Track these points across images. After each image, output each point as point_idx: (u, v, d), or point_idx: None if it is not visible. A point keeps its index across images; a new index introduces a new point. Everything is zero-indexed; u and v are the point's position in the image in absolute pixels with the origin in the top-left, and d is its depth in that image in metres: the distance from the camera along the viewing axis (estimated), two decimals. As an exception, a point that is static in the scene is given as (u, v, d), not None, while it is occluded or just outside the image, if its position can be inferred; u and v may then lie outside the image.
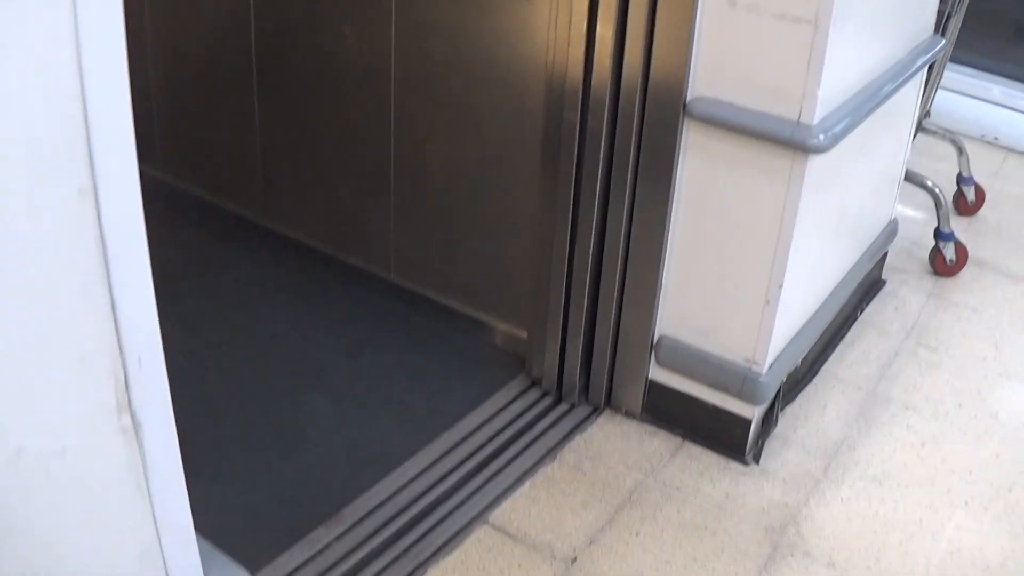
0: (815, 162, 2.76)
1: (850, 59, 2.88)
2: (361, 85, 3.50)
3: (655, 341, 3.16)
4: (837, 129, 2.78)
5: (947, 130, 4.80)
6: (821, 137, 2.71)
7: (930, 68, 3.81)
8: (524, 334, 3.40)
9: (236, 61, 3.81)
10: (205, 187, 4.24)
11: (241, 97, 3.85)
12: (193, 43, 4.04)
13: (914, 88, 3.63)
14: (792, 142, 2.71)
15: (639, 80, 2.84)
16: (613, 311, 3.17)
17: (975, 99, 5.72)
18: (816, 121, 2.70)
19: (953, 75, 5.18)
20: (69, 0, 1.42)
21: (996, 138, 5.48)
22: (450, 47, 3.24)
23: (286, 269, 3.94)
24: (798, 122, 2.69)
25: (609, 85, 2.88)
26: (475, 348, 3.57)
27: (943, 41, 3.77)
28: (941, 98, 4.71)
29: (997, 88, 5.81)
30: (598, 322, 3.22)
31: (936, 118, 4.75)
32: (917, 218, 4.53)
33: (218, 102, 4.02)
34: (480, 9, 3.11)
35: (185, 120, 4.20)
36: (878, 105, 3.11)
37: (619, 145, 2.95)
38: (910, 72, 3.38)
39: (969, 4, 4.26)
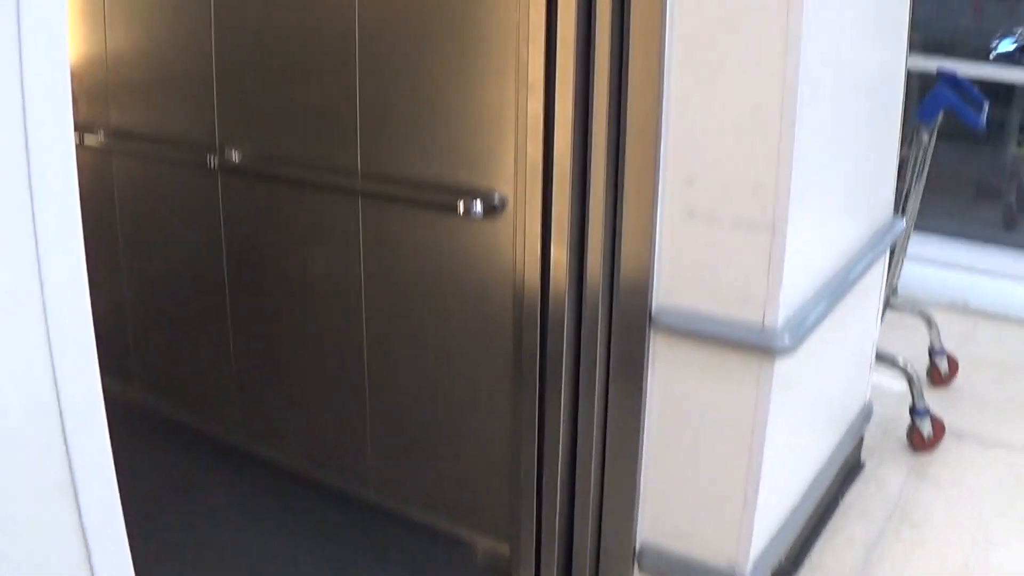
0: (782, 363, 2.78)
1: (810, 257, 2.92)
2: (332, 305, 3.54)
3: (637, 550, 3.13)
4: (802, 329, 2.81)
5: (915, 303, 4.84)
6: (786, 339, 2.73)
7: (893, 246, 3.85)
8: (507, 549, 3.38)
9: (208, 283, 3.85)
10: (181, 408, 4.25)
11: (214, 318, 3.88)
12: (166, 266, 4.08)
13: (878, 270, 3.67)
14: (758, 346, 2.73)
15: (602, 295, 2.88)
16: (591, 522, 3.15)
17: (941, 266, 5.77)
18: (780, 324, 2.72)
19: (918, 244, 5.23)
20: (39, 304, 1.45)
21: (966, 303, 5.53)
22: (418, 268, 3.28)
23: (265, 490, 3.91)
24: (763, 326, 2.72)
25: (567, 306, 2.92)
26: (458, 566, 3.52)
27: (904, 220, 3.82)
28: (907, 269, 4.75)
29: (963, 252, 5.87)
30: (578, 534, 3.20)
31: (904, 289, 4.80)
32: (892, 391, 4.53)
33: (192, 324, 4.05)
34: (446, 230, 3.16)
35: (160, 342, 4.23)
36: (842, 296, 3.15)
37: (585, 360, 2.98)
38: (872, 257, 3.42)
39: (930, 168, 4.33)
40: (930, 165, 4.38)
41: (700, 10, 2.62)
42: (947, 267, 5.78)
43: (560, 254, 2.88)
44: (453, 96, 3.04)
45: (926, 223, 5.40)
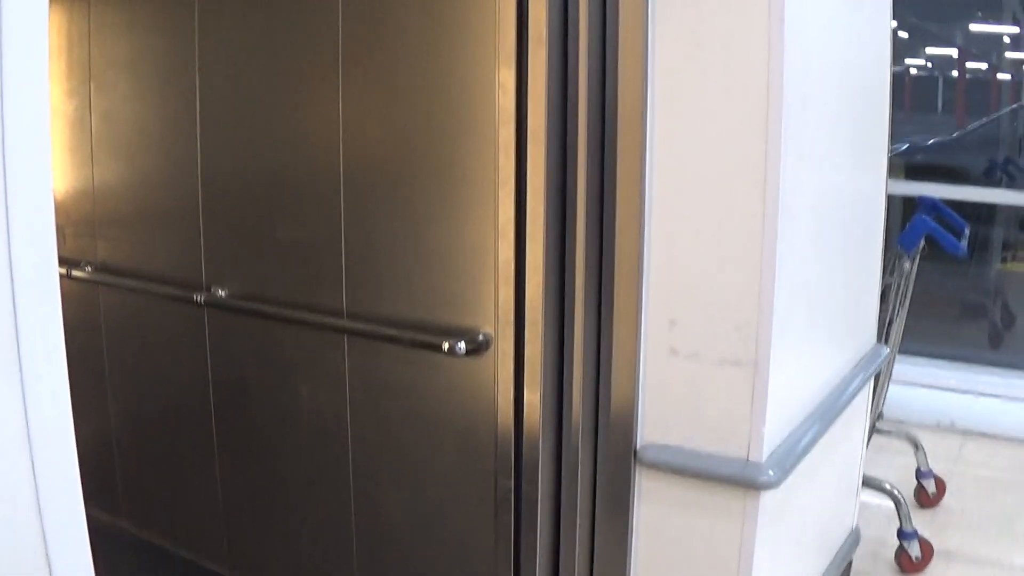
0: (768, 496, 2.78)
1: (794, 390, 2.93)
2: (319, 440, 3.53)
3: None
4: (787, 462, 2.81)
5: (901, 424, 4.86)
6: (771, 473, 2.73)
7: (878, 373, 3.87)
8: None
9: (195, 414, 3.85)
10: (168, 538, 4.22)
11: (201, 449, 3.87)
12: (153, 396, 4.08)
13: (863, 398, 3.68)
14: (742, 481, 2.74)
15: (585, 433, 2.89)
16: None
17: (927, 387, 5.79)
18: (765, 458, 2.72)
19: (903, 366, 5.25)
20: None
21: (952, 423, 5.54)
22: (403, 404, 3.28)
23: (252, 619, 3.88)
24: (747, 461, 2.72)
25: (542, 448, 2.92)
26: None
27: (887, 349, 3.84)
28: (893, 391, 4.77)
29: (948, 373, 5.88)
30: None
31: (890, 410, 4.80)
32: (880, 511, 4.52)
33: (179, 454, 4.04)
34: (431, 368, 3.16)
35: (148, 472, 4.21)
36: (828, 426, 3.16)
37: (567, 499, 2.97)
38: (857, 386, 3.43)
39: (914, 289, 4.36)
40: (913, 284, 4.42)
41: (679, 153, 2.66)
42: (933, 388, 5.80)
43: (533, 397, 2.89)
44: (436, 237, 3.07)
45: (910, 345, 5.43)
